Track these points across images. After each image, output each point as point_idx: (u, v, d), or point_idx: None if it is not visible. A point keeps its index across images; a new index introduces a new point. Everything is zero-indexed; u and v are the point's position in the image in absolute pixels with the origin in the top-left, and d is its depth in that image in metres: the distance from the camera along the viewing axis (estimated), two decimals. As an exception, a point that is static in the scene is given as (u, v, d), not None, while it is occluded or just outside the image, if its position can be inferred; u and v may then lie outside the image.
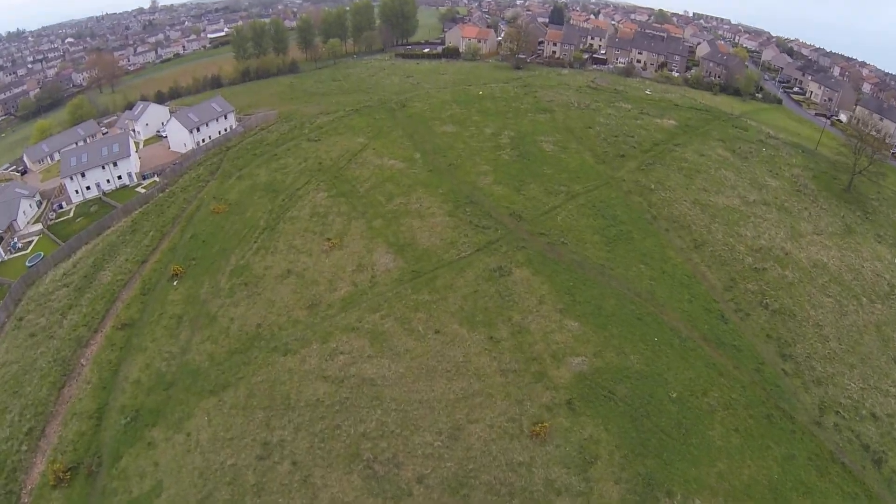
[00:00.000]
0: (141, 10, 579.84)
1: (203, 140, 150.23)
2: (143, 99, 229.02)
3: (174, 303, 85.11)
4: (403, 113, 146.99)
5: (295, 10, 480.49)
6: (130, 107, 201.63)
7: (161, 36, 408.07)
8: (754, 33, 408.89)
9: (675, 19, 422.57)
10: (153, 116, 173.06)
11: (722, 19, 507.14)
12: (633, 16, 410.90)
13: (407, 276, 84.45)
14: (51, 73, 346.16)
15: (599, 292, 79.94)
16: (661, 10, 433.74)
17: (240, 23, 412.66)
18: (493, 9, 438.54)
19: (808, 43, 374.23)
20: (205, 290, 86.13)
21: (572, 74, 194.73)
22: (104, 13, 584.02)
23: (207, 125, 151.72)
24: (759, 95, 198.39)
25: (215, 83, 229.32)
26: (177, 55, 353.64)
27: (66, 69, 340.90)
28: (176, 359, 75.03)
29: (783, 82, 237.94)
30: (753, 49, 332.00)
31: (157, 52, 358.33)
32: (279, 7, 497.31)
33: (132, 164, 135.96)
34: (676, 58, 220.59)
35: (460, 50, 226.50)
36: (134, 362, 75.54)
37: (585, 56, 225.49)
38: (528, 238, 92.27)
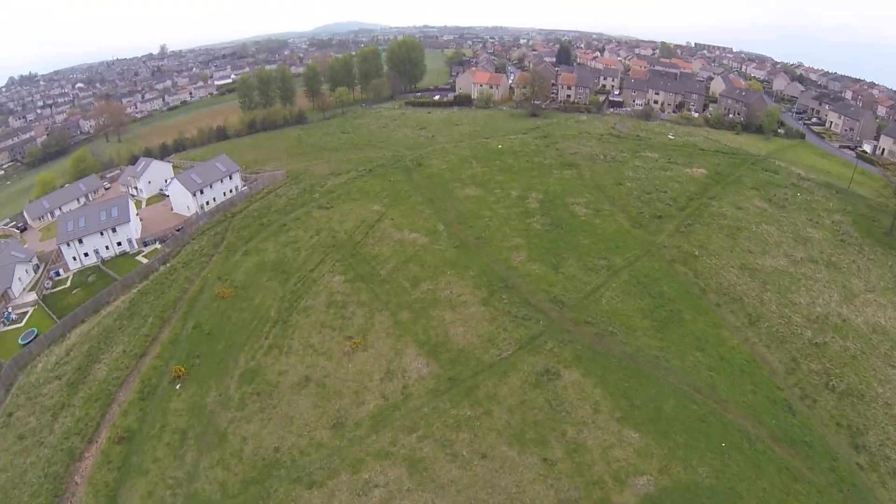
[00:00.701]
0: (150, 56, 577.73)
1: (207, 203, 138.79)
2: (147, 154, 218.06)
3: (177, 413, 73.04)
4: (420, 173, 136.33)
5: (301, 55, 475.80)
6: (134, 161, 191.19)
7: (168, 83, 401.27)
8: (759, 61, 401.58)
9: (679, 51, 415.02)
10: (156, 174, 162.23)
11: (724, 48, 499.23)
12: (637, 50, 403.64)
13: (443, 384, 72.08)
14: (60, 118, 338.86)
15: (657, 391, 69.10)
16: (664, 43, 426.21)
17: (246, 69, 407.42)
18: (498, 49, 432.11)
19: (815, 67, 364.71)
20: (211, 399, 74.04)
21: (591, 120, 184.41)
22: (115, 58, 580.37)
23: (212, 186, 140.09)
24: (782, 131, 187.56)
25: (221, 135, 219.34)
26: (184, 102, 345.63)
27: (74, 115, 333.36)
28: (182, 487, 63.02)
29: (800, 113, 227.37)
30: (762, 79, 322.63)
31: (164, 100, 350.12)
32: (285, 53, 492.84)
33: (132, 230, 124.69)
34: (694, 96, 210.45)
35: (472, 97, 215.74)
36: (134, 488, 63.63)
37: (602, 99, 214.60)
38: (574, 329, 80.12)
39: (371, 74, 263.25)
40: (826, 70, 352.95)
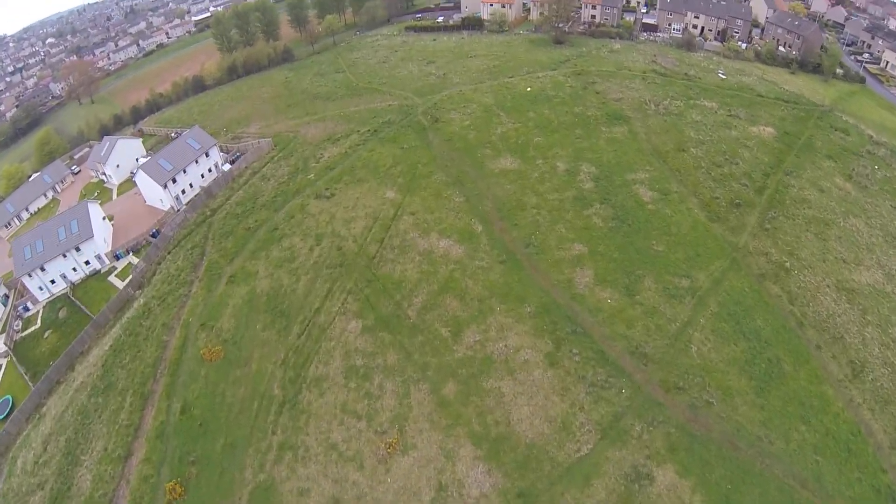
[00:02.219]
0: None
1: (183, 191, 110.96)
2: (118, 121, 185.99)
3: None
4: (438, 134, 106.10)
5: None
6: (104, 135, 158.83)
7: (143, 24, 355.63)
8: None
9: None
10: (124, 155, 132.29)
11: None
12: None
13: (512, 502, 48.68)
14: (31, 83, 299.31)
15: (761, 491, 52.14)
16: None
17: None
18: None
19: None
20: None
21: (626, 50, 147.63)
22: (86, 4, 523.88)
23: (185, 171, 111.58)
24: (840, 72, 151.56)
25: (198, 86, 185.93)
26: (160, 45, 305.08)
27: (45, 78, 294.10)
28: None
29: (848, 45, 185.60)
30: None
31: (139, 45, 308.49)
32: None
33: (99, 244, 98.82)
34: (738, 22, 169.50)
35: (483, 19, 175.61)
36: None
37: (632, 21, 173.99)
38: (664, 399, 58.46)
39: None
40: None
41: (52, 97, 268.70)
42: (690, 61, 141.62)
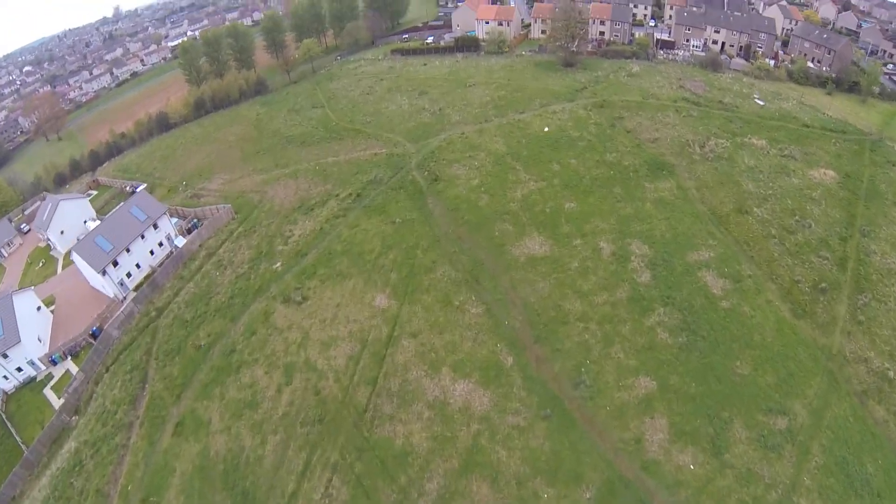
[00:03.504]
0: (104, 21, 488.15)
1: (129, 274, 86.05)
2: (74, 167, 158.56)
3: None
4: (441, 199, 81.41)
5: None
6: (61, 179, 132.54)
7: (120, 51, 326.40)
8: None
9: None
10: (68, 218, 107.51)
11: None
12: None
13: None
14: (1, 115, 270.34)
15: None
16: None
17: (205, 22, 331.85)
18: None
19: None
20: None
21: (647, 73, 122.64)
22: (66, 29, 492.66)
23: (129, 250, 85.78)
24: (876, 89, 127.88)
25: (162, 124, 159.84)
26: (134, 74, 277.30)
27: (15, 110, 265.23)
28: None
29: (871, 55, 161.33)
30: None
31: (112, 73, 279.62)
32: None
33: (29, 348, 75.45)
34: (762, 36, 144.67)
35: (480, 39, 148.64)
36: None
37: (643, 36, 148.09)
38: None
39: (345, 16, 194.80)
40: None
41: (21, 132, 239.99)
42: (720, 84, 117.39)
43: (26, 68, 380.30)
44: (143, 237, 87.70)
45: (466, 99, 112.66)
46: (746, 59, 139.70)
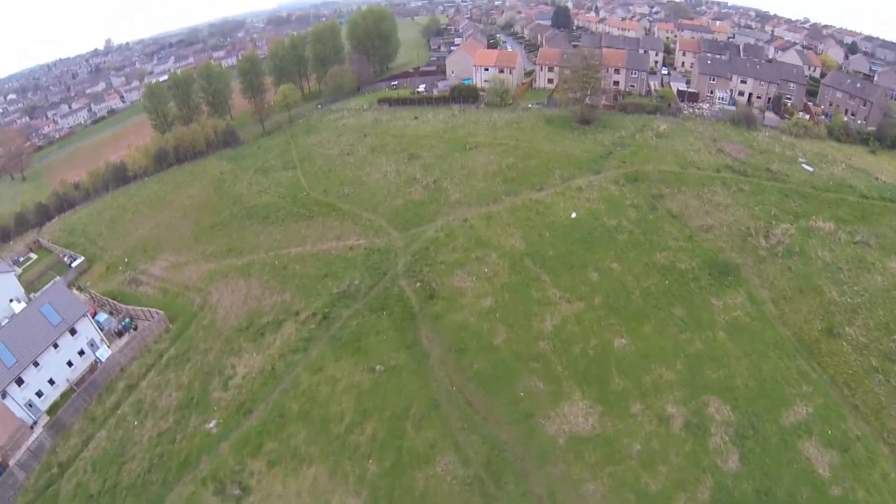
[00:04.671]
0: (95, 52, 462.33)
1: (40, 393, 60.95)
2: (20, 219, 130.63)
3: None
4: (440, 333, 55.44)
5: (256, 35, 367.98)
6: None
7: (102, 85, 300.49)
8: (791, 24, 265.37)
9: (696, 9, 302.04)
10: None
11: (718, 2, 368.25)
12: (633, 8, 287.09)
13: None
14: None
15: None
16: (673, 1, 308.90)
17: (190, 59, 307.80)
18: (477, 14, 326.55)
19: (851, 30, 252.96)
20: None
21: (677, 132, 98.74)
22: (57, 59, 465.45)
23: (38, 364, 60.74)
24: None
25: (119, 177, 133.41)
26: (111, 111, 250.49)
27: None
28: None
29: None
30: (805, 46, 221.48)
31: (90, 110, 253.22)
32: (239, 35, 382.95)
33: None
34: (791, 86, 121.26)
35: (478, 89, 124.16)
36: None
37: (665, 87, 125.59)
38: None
39: (328, 59, 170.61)
40: (859, 31, 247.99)
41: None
42: (760, 145, 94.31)
43: (10, 96, 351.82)
44: (55, 346, 61.51)
45: (467, 167, 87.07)
46: (777, 113, 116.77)
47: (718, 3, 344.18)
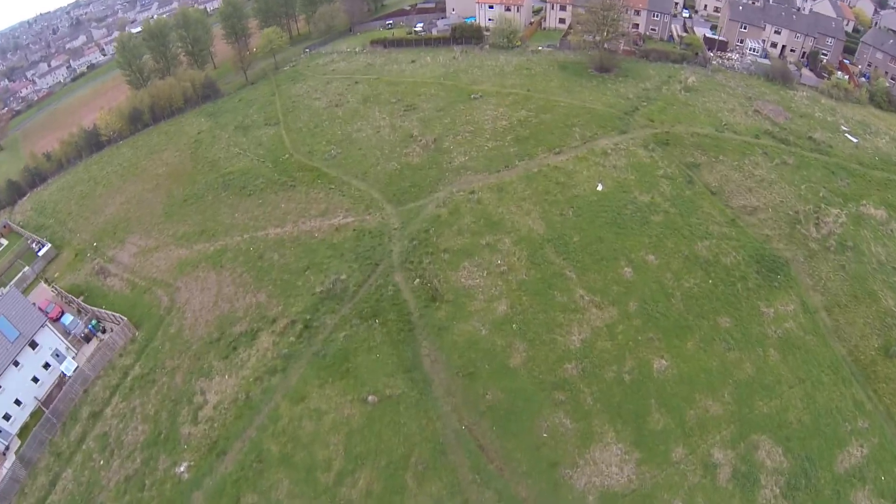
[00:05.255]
0: (76, 3, 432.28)
1: (7, 417, 51.93)
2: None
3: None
4: (443, 348, 43.56)
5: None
6: None
7: (83, 39, 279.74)
8: None
9: None
10: None
11: None
12: None
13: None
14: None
15: None
16: None
17: (175, 4, 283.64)
18: None
19: None
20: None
21: (707, 87, 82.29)
22: (38, 14, 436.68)
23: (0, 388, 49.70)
24: None
25: (92, 142, 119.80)
26: (91, 66, 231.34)
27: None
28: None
29: None
30: None
31: (69, 66, 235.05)
32: None
33: None
34: (829, 41, 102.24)
35: (482, 28, 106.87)
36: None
37: (687, 31, 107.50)
38: None
39: None
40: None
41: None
42: (798, 108, 79.38)
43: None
44: (16, 364, 52.09)
45: (473, 121, 72.72)
46: (813, 71, 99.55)
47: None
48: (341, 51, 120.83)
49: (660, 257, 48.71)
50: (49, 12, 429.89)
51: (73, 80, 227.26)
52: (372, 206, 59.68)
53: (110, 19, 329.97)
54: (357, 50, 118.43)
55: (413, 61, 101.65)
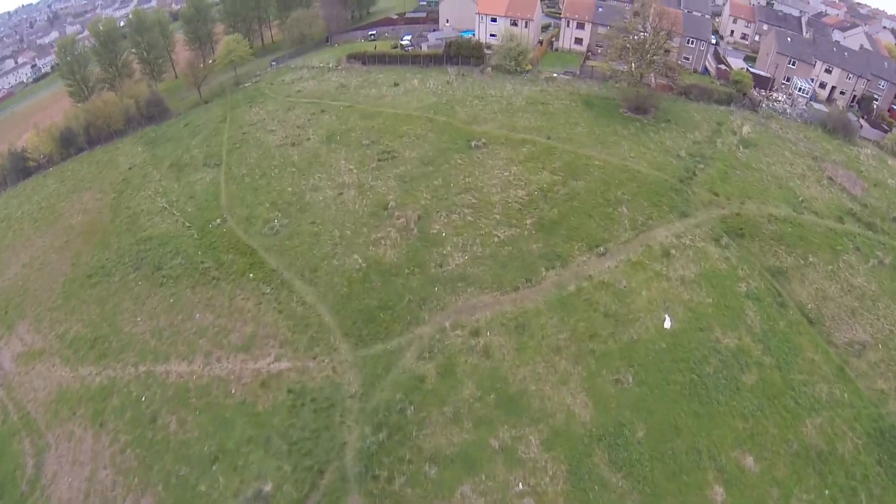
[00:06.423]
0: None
1: None
2: None
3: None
4: None
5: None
6: None
7: (55, 35, 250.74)
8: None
9: None
10: None
11: None
12: None
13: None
14: None
15: None
16: None
17: (153, 2, 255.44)
18: None
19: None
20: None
21: (766, 139, 58.90)
22: (20, 5, 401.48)
23: None
24: None
25: (19, 167, 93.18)
26: (56, 66, 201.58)
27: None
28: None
29: None
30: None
31: (34, 65, 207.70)
32: None
33: None
34: (882, 84, 78.74)
35: (483, 44, 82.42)
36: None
37: (721, 61, 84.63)
38: None
39: (293, 1, 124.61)
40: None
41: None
42: (869, 172, 58.82)
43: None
44: None
45: (475, 186, 49.06)
46: (867, 119, 76.84)
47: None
48: (313, 65, 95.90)
49: (760, 458, 27.67)
50: (31, 4, 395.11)
51: (36, 80, 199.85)
52: (320, 341, 36.16)
53: (89, 14, 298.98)
54: (331, 65, 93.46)
55: (396, 84, 77.44)
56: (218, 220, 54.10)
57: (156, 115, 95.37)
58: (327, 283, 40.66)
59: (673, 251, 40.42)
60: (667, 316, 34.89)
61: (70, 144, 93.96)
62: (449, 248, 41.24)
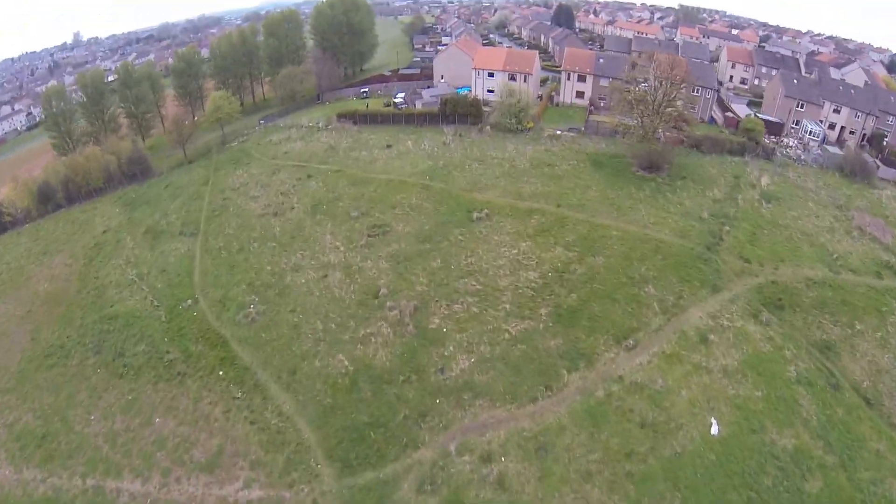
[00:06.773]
0: (63, 46, 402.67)
1: None
2: None
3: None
4: None
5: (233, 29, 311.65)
6: None
7: (52, 83, 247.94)
8: (816, 37, 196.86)
9: (709, 21, 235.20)
10: None
11: (714, 10, 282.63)
12: (634, 13, 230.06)
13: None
14: None
15: None
16: (683, 6, 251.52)
17: (150, 57, 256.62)
18: (465, 14, 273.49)
19: (859, 41, 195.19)
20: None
21: (786, 191, 55.37)
22: (24, 52, 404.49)
23: None
24: None
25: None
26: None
27: None
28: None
29: None
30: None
31: (29, 112, 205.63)
32: (212, 32, 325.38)
33: None
34: (890, 120, 76.43)
35: (481, 101, 78.50)
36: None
37: (724, 108, 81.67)
38: None
39: (285, 57, 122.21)
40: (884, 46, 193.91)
41: None
42: (894, 217, 54.29)
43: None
44: None
45: (479, 268, 43.25)
46: (881, 158, 73.29)
47: (718, 13, 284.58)
48: (302, 124, 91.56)
49: None
50: (35, 52, 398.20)
51: (29, 128, 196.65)
52: (298, 464, 29.23)
53: (89, 65, 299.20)
54: (320, 125, 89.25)
55: (389, 146, 72.84)
56: (189, 301, 47.51)
57: (138, 174, 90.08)
58: (308, 390, 33.87)
59: (711, 336, 34.56)
60: (713, 420, 28.63)
61: (48, 200, 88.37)
62: (451, 349, 34.86)
